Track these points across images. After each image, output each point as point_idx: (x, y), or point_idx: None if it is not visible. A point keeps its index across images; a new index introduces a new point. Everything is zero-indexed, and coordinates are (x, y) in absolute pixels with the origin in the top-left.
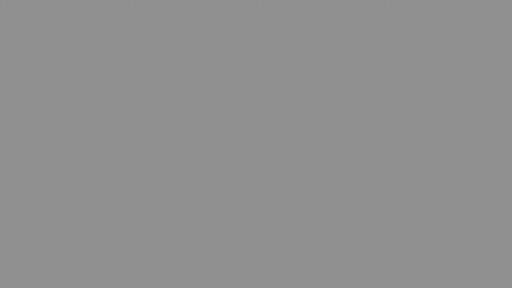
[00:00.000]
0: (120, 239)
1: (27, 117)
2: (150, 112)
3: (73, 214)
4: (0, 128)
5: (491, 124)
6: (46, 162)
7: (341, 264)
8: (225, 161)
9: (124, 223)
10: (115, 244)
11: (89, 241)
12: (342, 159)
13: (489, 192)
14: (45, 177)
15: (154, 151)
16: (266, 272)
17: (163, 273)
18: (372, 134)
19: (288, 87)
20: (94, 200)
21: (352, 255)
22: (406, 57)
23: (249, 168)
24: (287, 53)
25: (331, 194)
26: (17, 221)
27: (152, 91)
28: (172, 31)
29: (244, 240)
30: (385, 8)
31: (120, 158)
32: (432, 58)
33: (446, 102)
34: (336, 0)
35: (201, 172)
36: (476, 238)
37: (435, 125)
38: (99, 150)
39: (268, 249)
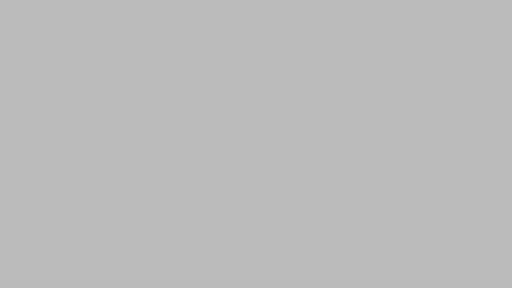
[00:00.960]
0: (120, 239)
1: (27, 117)
2: (150, 112)
3: (73, 214)
4: (0, 128)
5: (491, 124)
6: (46, 162)
7: (341, 264)
8: (225, 161)
9: (124, 223)
10: (115, 244)
11: (89, 241)
12: (342, 159)
13: (489, 192)
14: (45, 177)
15: (154, 151)
16: (266, 272)
17: (163, 273)
18: (372, 134)
19: (288, 87)
20: (94, 200)
21: (352, 255)
22: (406, 57)
23: (249, 168)
24: (287, 53)
25: (331, 194)
26: (17, 221)
27: (152, 91)
28: (172, 31)
29: (244, 240)
30: (385, 8)
31: (120, 158)
32: (432, 58)
33: (446, 102)
34: (336, 0)
35: (201, 173)
36: (476, 238)
37: (435, 125)
38: (99, 150)
39: (268, 249)
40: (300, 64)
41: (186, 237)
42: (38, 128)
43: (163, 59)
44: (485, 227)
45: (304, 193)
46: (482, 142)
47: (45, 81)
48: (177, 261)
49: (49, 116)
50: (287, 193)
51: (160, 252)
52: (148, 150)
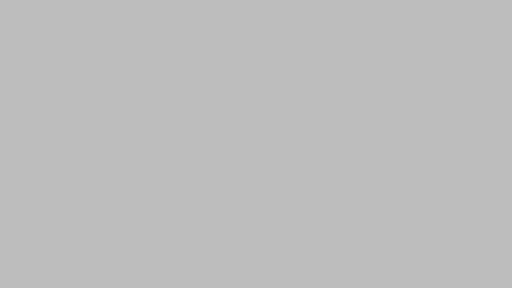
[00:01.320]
0: (120, 239)
1: (27, 117)
2: (150, 112)
3: (73, 215)
4: (0, 128)
5: (491, 124)
6: (46, 162)
7: (341, 264)
8: (225, 161)
9: (125, 224)
10: (115, 244)
11: (89, 242)
12: (342, 159)
13: (489, 192)
14: (45, 177)
15: (154, 151)
16: (266, 272)
17: (163, 273)
18: (372, 134)
19: (288, 87)
20: (95, 200)
21: (352, 255)
22: (406, 57)
23: (249, 168)
24: (287, 53)
25: (331, 194)
26: (17, 221)
27: (152, 91)
28: (172, 31)
29: (244, 241)
30: (385, 8)
31: (120, 158)
32: (432, 58)
33: (446, 102)
34: (336, 0)
35: (201, 173)
36: (476, 238)
37: (435, 125)
38: (99, 150)
39: (268, 249)
40: (300, 64)
41: (186, 237)
42: (38, 128)
43: (163, 59)
44: (485, 227)
45: (304, 194)
46: (482, 142)
47: (45, 81)
48: (177, 261)
49: (49, 116)
50: (287, 194)
51: (160, 252)
52: (148, 150)
